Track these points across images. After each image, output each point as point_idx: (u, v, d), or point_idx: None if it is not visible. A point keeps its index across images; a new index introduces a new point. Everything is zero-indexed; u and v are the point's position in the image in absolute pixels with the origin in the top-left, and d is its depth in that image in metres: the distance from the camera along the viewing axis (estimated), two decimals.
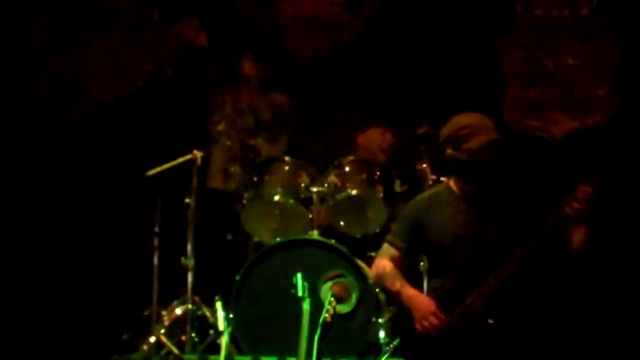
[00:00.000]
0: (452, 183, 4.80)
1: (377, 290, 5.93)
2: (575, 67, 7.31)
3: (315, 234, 6.29)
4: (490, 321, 4.55)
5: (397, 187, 6.55)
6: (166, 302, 6.29)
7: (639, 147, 4.36)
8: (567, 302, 6.37)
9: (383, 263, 4.87)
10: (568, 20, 7.31)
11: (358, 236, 6.50)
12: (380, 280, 4.92)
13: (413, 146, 6.54)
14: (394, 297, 4.92)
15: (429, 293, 4.84)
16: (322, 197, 6.43)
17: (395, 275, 4.80)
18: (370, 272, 5.16)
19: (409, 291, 4.76)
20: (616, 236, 6.54)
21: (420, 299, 4.72)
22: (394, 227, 5.00)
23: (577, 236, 4.54)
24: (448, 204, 4.77)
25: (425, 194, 4.99)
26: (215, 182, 6.97)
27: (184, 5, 7.64)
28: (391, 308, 5.96)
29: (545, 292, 4.81)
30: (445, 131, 4.72)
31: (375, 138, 6.94)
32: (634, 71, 7.07)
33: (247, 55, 7.31)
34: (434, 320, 4.61)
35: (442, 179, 6.15)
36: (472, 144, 4.59)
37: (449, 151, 4.69)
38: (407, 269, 4.90)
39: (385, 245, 4.90)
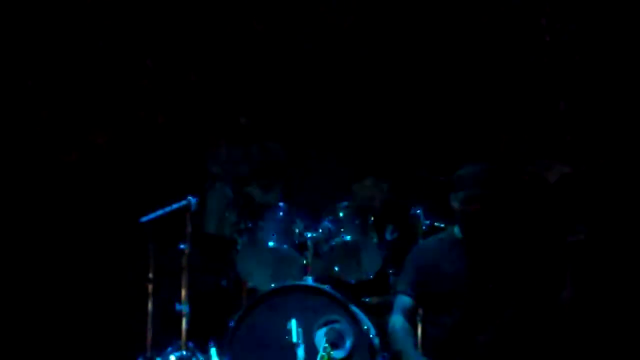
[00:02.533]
0: (456, 229, 4.88)
1: (371, 335, 5.94)
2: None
3: (309, 280, 6.29)
4: None
5: (390, 233, 6.57)
6: (160, 349, 6.27)
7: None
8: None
9: (395, 319, 4.91)
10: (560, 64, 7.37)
11: (353, 282, 6.50)
12: (390, 337, 4.97)
13: (407, 192, 6.57)
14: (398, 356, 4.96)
15: (424, 339, 4.88)
16: (317, 243, 6.43)
17: (403, 336, 4.84)
18: (388, 329, 5.16)
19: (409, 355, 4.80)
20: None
21: None
22: (402, 275, 5.04)
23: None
24: (450, 250, 4.83)
25: (430, 239, 5.08)
26: (210, 227, 6.97)
27: (177, 54, 7.69)
28: (385, 354, 5.96)
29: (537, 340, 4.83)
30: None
31: (370, 187, 6.96)
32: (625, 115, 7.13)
33: (241, 104, 7.35)
34: None
35: (436, 224, 6.18)
36: (460, 195, 4.71)
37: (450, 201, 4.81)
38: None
39: (398, 297, 4.94)
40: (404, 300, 4.92)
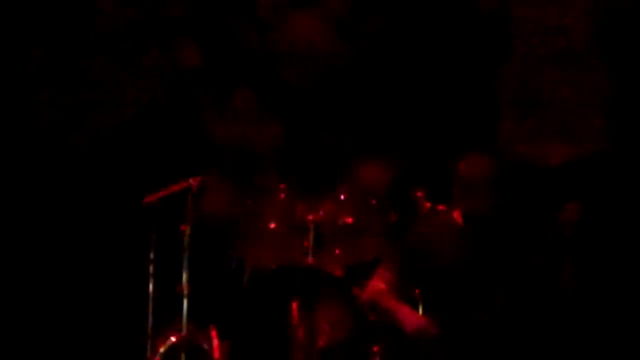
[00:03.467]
0: (455, 214, 4.87)
1: (371, 318, 5.94)
2: (570, 96, 7.34)
3: (310, 262, 6.30)
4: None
5: (392, 215, 6.57)
6: (161, 330, 6.28)
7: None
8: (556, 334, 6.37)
9: (378, 284, 4.89)
10: (563, 50, 7.35)
11: (353, 264, 6.51)
12: (373, 297, 4.94)
13: (409, 174, 6.58)
14: (387, 316, 4.94)
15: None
16: (318, 226, 6.44)
17: (388, 294, 4.82)
18: (365, 291, 5.17)
19: (403, 308, 4.79)
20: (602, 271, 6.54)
21: (413, 315, 4.75)
22: (392, 253, 5.04)
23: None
24: (448, 234, 4.82)
25: (428, 222, 5.07)
26: (211, 210, 6.96)
27: (180, 33, 7.68)
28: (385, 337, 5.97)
29: (536, 323, 4.83)
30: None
31: (373, 172, 6.95)
32: (627, 102, 7.11)
33: (241, 84, 7.33)
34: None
35: (438, 207, 6.17)
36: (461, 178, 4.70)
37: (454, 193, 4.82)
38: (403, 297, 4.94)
39: (381, 270, 4.93)
40: (386, 275, 4.91)
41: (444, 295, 4.78)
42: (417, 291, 5.84)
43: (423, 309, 5.78)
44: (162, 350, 6.16)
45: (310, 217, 6.42)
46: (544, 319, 4.99)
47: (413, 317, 4.74)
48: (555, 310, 5.27)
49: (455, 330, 4.70)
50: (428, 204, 6.31)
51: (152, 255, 6.24)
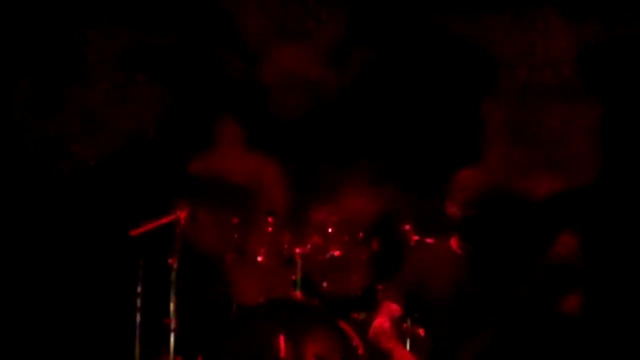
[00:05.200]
0: (452, 242, 4.87)
1: (360, 352, 5.94)
2: (558, 127, 7.36)
3: (298, 295, 6.29)
4: None
5: (378, 248, 6.57)
6: None
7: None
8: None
9: (382, 321, 4.88)
10: (550, 82, 7.37)
11: (341, 297, 6.50)
12: (376, 337, 4.93)
13: (397, 208, 6.58)
14: (385, 356, 4.93)
15: (415, 348, 4.89)
16: (305, 258, 6.44)
17: (392, 334, 4.83)
18: (370, 329, 5.14)
19: (402, 352, 4.79)
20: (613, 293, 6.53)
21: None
22: (392, 285, 5.04)
23: (571, 298, 4.58)
24: (446, 262, 4.83)
25: (424, 252, 5.07)
26: (199, 242, 6.96)
27: (168, 64, 7.69)
28: None
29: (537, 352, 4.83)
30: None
31: (360, 203, 6.96)
32: (615, 132, 7.13)
33: (227, 115, 7.33)
34: None
35: (425, 240, 6.17)
36: (457, 201, 4.69)
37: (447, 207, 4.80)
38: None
39: (385, 304, 4.93)
40: (390, 308, 4.91)
41: (438, 325, 4.79)
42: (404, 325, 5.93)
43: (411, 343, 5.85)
44: None
45: (298, 250, 6.41)
46: (537, 346, 5.00)
47: None
48: (551, 337, 5.28)
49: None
50: (416, 237, 6.31)
51: (139, 288, 6.25)
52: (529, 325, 4.67)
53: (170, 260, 6.18)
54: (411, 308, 4.94)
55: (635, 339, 6.52)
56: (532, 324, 4.67)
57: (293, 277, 6.39)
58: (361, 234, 6.48)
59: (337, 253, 6.41)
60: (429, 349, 4.78)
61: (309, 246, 6.43)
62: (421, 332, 5.71)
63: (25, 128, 7.64)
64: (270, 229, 6.47)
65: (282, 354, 5.92)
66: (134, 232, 6.17)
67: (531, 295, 4.59)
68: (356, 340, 5.96)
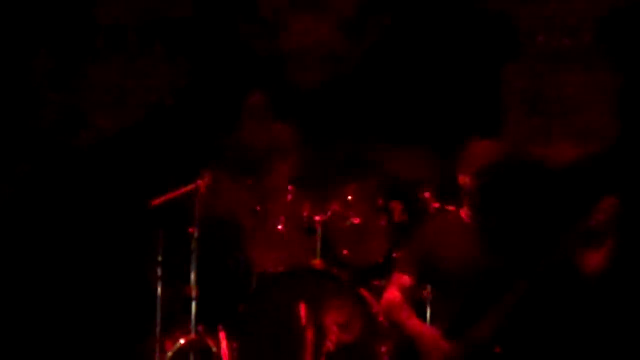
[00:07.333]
0: (462, 213, 4.84)
1: (380, 318, 5.93)
2: (577, 94, 7.34)
3: (318, 263, 6.30)
4: (497, 350, 4.55)
5: (398, 216, 6.55)
6: (170, 332, 6.29)
7: None
8: (576, 330, 6.35)
9: (392, 294, 4.86)
10: (569, 48, 7.34)
11: (361, 265, 6.50)
12: (388, 310, 4.91)
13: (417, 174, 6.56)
14: (399, 328, 4.91)
15: (433, 322, 4.84)
16: (325, 226, 6.44)
17: (403, 306, 4.80)
18: (380, 302, 5.13)
19: (415, 322, 4.76)
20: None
21: (425, 330, 4.73)
22: (403, 256, 5.02)
23: (594, 258, 4.54)
24: (457, 233, 4.79)
25: (435, 223, 5.03)
26: (219, 211, 6.97)
27: (186, 36, 7.70)
28: (395, 337, 5.96)
29: (555, 320, 4.81)
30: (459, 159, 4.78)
31: (380, 170, 6.96)
32: (634, 99, 7.11)
33: (247, 85, 7.33)
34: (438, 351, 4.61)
35: (446, 207, 6.16)
36: (471, 170, 4.66)
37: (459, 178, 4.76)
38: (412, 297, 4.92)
39: (396, 275, 4.90)
40: (400, 280, 4.89)
41: (454, 296, 4.76)
42: (425, 292, 5.93)
43: (431, 310, 5.84)
44: (170, 352, 6.17)
45: (318, 219, 6.42)
46: (561, 317, 4.97)
47: (426, 335, 4.72)
48: (577, 308, 5.25)
49: (464, 331, 4.68)
50: (436, 204, 6.30)
51: (160, 258, 6.27)
52: (555, 295, 4.64)
53: (190, 229, 6.18)
54: (424, 278, 4.92)
55: None
56: (558, 293, 4.64)
57: (313, 246, 6.40)
58: (381, 201, 6.47)
59: (357, 221, 6.40)
60: (449, 317, 4.75)
61: (329, 214, 6.43)
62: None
63: (45, 100, 7.67)
64: (290, 197, 6.47)
65: (303, 322, 5.93)
66: (155, 202, 6.18)
67: (561, 262, 4.55)
68: (377, 308, 5.95)
